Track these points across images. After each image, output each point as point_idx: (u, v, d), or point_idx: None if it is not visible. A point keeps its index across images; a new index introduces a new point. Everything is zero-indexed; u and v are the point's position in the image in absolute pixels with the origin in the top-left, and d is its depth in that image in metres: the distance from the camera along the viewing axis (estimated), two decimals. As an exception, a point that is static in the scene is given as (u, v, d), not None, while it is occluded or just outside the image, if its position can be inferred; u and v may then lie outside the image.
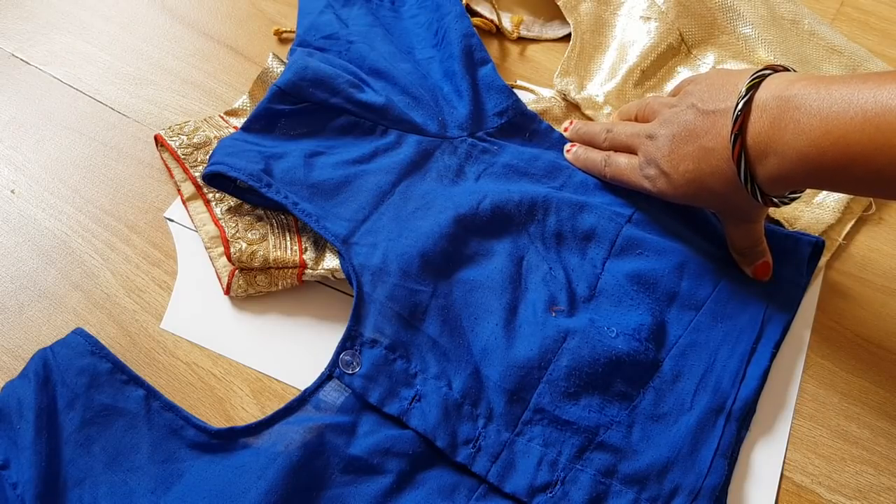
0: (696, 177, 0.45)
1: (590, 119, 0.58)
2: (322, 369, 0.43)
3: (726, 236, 0.50)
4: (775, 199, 0.44)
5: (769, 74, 0.42)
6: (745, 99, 0.41)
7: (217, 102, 0.59)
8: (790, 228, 0.53)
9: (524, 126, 0.55)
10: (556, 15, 0.66)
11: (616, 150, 0.52)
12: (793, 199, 0.45)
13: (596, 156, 0.52)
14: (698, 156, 0.44)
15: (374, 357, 0.43)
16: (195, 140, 0.53)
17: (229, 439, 0.41)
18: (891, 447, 0.47)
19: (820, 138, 0.38)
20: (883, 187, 0.38)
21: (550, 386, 0.44)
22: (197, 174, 0.51)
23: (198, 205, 0.52)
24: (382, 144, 0.51)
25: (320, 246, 0.49)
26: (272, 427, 0.41)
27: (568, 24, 0.63)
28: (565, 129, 0.56)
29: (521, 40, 0.65)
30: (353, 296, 0.45)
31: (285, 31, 0.63)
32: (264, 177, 0.47)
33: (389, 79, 0.54)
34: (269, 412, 0.42)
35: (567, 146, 0.55)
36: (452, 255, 0.47)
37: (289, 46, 0.62)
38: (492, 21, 0.64)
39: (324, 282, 0.50)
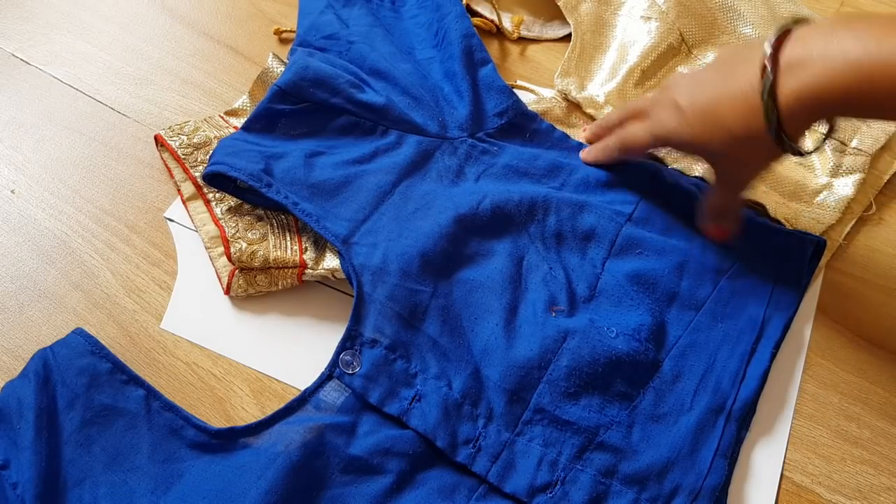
0: (712, 107, 0.43)
1: (592, 119, 0.58)
2: (322, 369, 0.43)
3: (709, 193, 0.49)
4: (791, 144, 0.42)
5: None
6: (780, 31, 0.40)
7: (217, 102, 0.59)
8: (791, 228, 0.53)
9: (524, 126, 0.55)
10: (557, 15, 0.66)
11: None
12: (806, 153, 0.43)
13: (606, 140, 0.52)
14: (722, 79, 0.43)
15: (374, 357, 0.43)
16: (195, 140, 0.53)
17: (229, 439, 0.41)
18: (891, 447, 0.47)
19: (875, 47, 0.37)
20: None
21: (550, 386, 0.44)
22: (197, 174, 0.51)
23: (198, 205, 0.52)
24: (383, 145, 0.51)
25: (320, 246, 0.49)
26: (272, 427, 0.41)
27: (568, 24, 0.63)
28: (584, 130, 0.56)
29: (522, 40, 0.65)
30: (353, 296, 0.45)
31: (285, 31, 0.63)
32: (264, 177, 0.47)
33: (390, 79, 0.54)
34: (269, 412, 0.42)
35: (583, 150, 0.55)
36: (452, 256, 0.47)
37: (289, 46, 0.62)
38: (492, 21, 0.64)
39: (324, 282, 0.50)
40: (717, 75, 0.43)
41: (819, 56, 0.38)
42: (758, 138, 0.42)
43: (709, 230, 0.50)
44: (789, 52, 0.40)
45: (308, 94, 0.51)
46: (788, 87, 0.40)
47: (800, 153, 0.43)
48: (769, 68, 0.40)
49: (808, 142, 0.52)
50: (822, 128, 0.56)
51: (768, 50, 0.40)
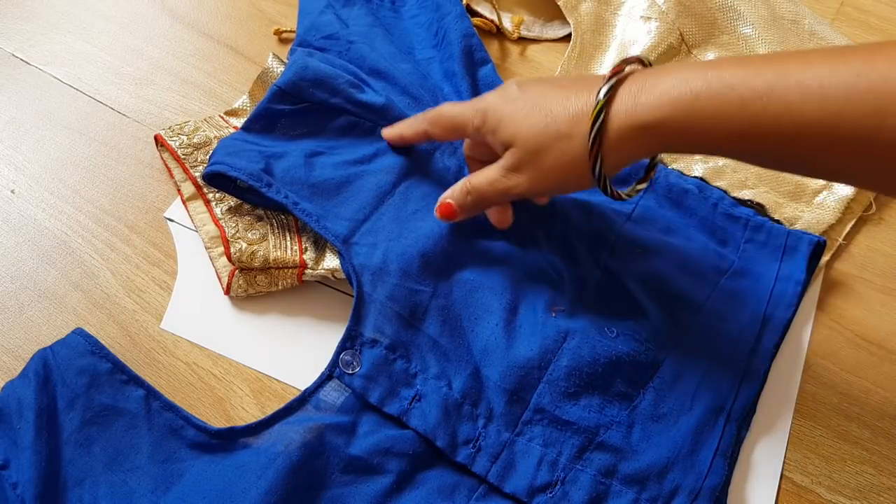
0: (542, 153, 0.41)
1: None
2: (322, 369, 0.43)
3: (483, 174, 0.44)
4: (607, 182, 0.40)
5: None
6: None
7: (217, 102, 0.59)
8: (790, 228, 0.53)
9: None
10: (557, 15, 0.66)
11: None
12: (621, 197, 0.42)
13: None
14: (549, 117, 0.40)
15: (374, 357, 0.43)
16: (195, 140, 0.53)
17: (229, 439, 0.41)
18: (891, 447, 0.47)
19: (696, 83, 0.36)
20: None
21: (550, 386, 0.44)
22: (197, 174, 0.51)
23: (198, 205, 0.52)
24: (383, 145, 0.51)
25: (320, 246, 0.49)
26: (272, 427, 0.41)
27: (568, 24, 0.63)
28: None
29: (522, 40, 0.65)
30: (353, 296, 0.45)
31: (285, 31, 0.63)
32: (265, 176, 0.47)
33: (390, 79, 0.54)
34: (269, 412, 0.42)
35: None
36: (453, 256, 0.47)
37: (289, 46, 0.62)
38: (492, 21, 0.64)
39: (324, 282, 0.50)
40: (543, 105, 0.41)
41: (655, 82, 0.38)
42: (578, 174, 0.40)
43: (446, 208, 0.45)
44: (630, 81, 0.39)
45: (308, 94, 0.51)
46: (622, 109, 0.38)
47: (615, 195, 0.42)
48: (601, 102, 0.38)
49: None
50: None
51: (609, 75, 0.39)
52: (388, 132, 0.50)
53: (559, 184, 0.42)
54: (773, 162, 0.38)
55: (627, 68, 0.40)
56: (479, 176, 0.44)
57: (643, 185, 0.45)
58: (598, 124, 0.38)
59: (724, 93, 0.35)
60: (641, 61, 0.41)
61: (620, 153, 0.39)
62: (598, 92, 0.38)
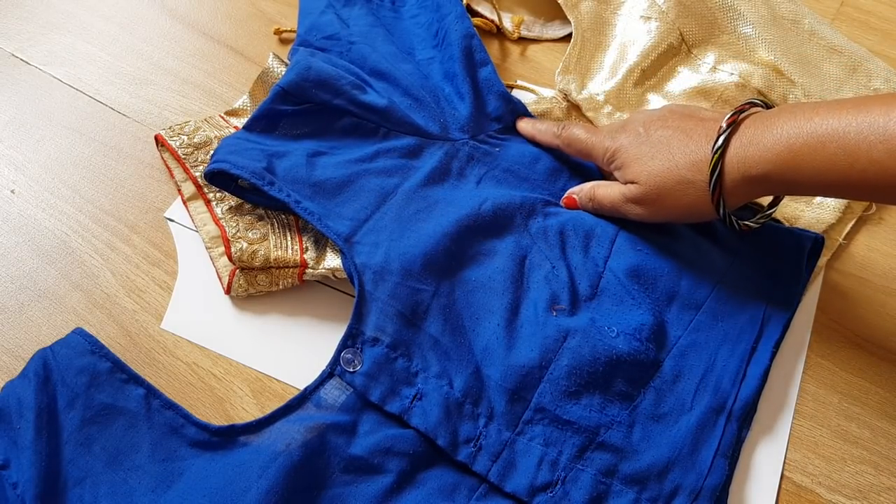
0: (666, 189, 0.46)
1: (590, 121, 0.58)
2: (322, 369, 0.43)
3: (607, 190, 0.49)
4: (729, 215, 0.45)
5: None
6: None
7: (217, 102, 0.59)
8: (789, 226, 0.53)
9: None
10: (557, 15, 0.66)
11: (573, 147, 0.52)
12: (742, 230, 0.47)
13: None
14: (671, 155, 0.45)
15: (375, 355, 0.43)
16: (195, 140, 0.53)
17: (230, 437, 0.41)
18: (891, 447, 0.47)
19: (805, 126, 0.41)
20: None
21: (551, 385, 0.44)
22: (197, 174, 0.51)
23: (198, 204, 0.52)
24: (385, 146, 0.51)
25: (321, 245, 0.49)
26: (273, 425, 0.41)
27: (569, 24, 0.63)
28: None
29: (522, 40, 0.65)
30: (353, 296, 0.45)
31: (285, 31, 0.63)
32: (267, 175, 0.47)
33: (391, 80, 0.54)
34: (269, 412, 0.42)
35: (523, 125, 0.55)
36: (454, 255, 0.47)
37: (289, 46, 0.62)
38: (492, 21, 0.64)
39: (324, 282, 0.50)
40: (666, 151, 0.46)
41: (760, 136, 0.42)
42: (699, 211, 0.46)
43: (571, 202, 0.52)
44: (739, 133, 0.43)
45: (311, 94, 0.51)
46: (734, 161, 0.43)
47: (742, 227, 0.47)
48: (720, 144, 0.43)
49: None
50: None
51: (724, 126, 0.44)
52: (524, 126, 0.55)
53: (677, 218, 0.48)
54: (876, 200, 0.43)
55: (742, 115, 0.44)
56: (602, 190, 0.50)
57: (768, 214, 0.48)
58: (715, 175, 0.43)
59: (818, 150, 0.40)
60: (757, 103, 0.46)
61: (737, 196, 0.44)
62: (714, 144, 0.43)
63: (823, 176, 0.40)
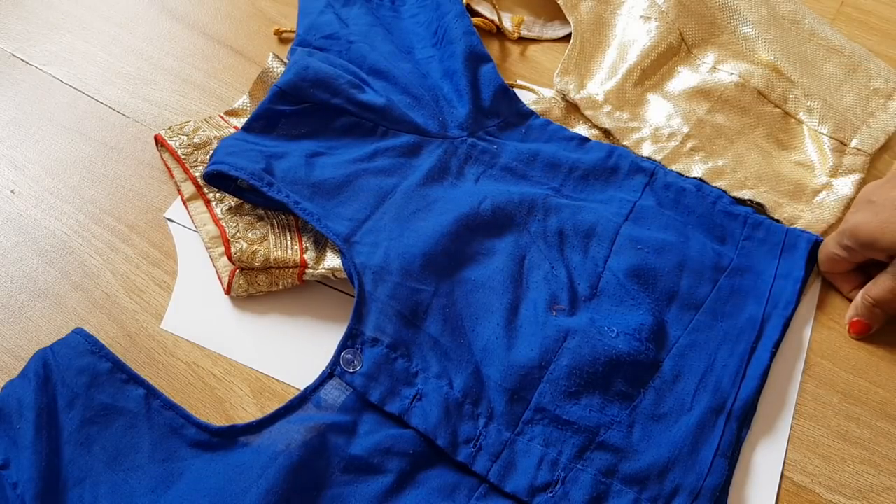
0: None
1: (588, 119, 0.58)
2: (322, 369, 0.43)
3: (878, 284, 0.48)
4: None
5: None
6: None
7: (217, 102, 0.59)
8: (788, 226, 0.53)
9: (521, 124, 0.55)
10: (557, 15, 0.66)
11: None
12: None
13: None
14: None
15: (375, 356, 0.43)
16: (195, 140, 0.53)
17: (230, 438, 0.41)
18: (891, 447, 0.47)
19: None
20: None
21: (551, 385, 0.44)
22: (197, 174, 0.51)
23: (198, 205, 0.52)
24: (383, 145, 0.51)
25: (321, 245, 0.49)
26: (273, 425, 0.41)
27: (568, 24, 0.63)
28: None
29: (522, 40, 0.65)
30: (353, 296, 0.45)
31: (285, 31, 0.63)
32: (266, 176, 0.47)
33: (390, 79, 0.54)
34: (269, 412, 0.42)
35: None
36: (454, 255, 0.47)
37: (289, 46, 0.62)
38: (492, 21, 0.64)
39: (324, 282, 0.50)
40: None
41: None
42: None
43: (862, 327, 0.50)
44: None
45: (309, 94, 0.51)
46: None
47: None
48: None
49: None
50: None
51: None
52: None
53: None
54: None
55: None
56: (876, 288, 0.48)
57: None
58: None
59: None
60: None
61: None
62: None
63: None
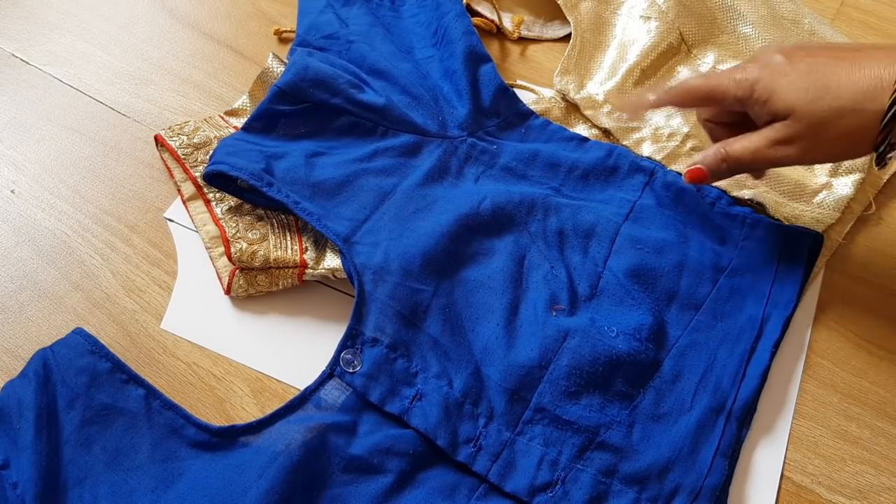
0: (830, 119, 0.41)
1: (588, 119, 0.58)
2: (322, 369, 0.43)
3: (742, 142, 0.44)
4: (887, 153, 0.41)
5: None
6: None
7: (217, 102, 0.59)
8: (788, 225, 0.53)
9: (520, 124, 0.55)
10: (557, 15, 0.66)
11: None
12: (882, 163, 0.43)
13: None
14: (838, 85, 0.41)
15: (375, 356, 0.43)
16: (195, 140, 0.53)
17: (230, 438, 0.41)
18: (891, 447, 0.47)
19: None
20: None
21: (551, 385, 0.44)
22: (197, 174, 0.51)
23: (198, 205, 0.52)
24: (383, 145, 0.51)
25: (321, 245, 0.49)
26: (273, 425, 0.41)
27: (568, 24, 0.63)
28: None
29: (522, 40, 0.65)
30: (353, 296, 0.45)
31: (285, 31, 0.63)
32: (265, 176, 0.47)
33: (390, 78, 0.54)
34: (269, 412, 0.42)
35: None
36: (454, 255, 0.47)
37: (289, 46, 0.62)
38: (492, 21, 0.64)
39: (324, 282, 0.50)
40: (822, 79, 0.41)
41: None
42: (857, 146, 0.42)
43: (696, 173, 0.46)
44: None
45: (308, 94, 0.51)
46: None
47: (885, 163, 0.42)
48: None
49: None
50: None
51: None
52: (639, 104, 0.50)
53: (832, 156, 0.43)
54: None
55: None
56: (737, 144, 0.44)
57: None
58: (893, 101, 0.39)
59: None
60: None
61: None
62: None
63: None
